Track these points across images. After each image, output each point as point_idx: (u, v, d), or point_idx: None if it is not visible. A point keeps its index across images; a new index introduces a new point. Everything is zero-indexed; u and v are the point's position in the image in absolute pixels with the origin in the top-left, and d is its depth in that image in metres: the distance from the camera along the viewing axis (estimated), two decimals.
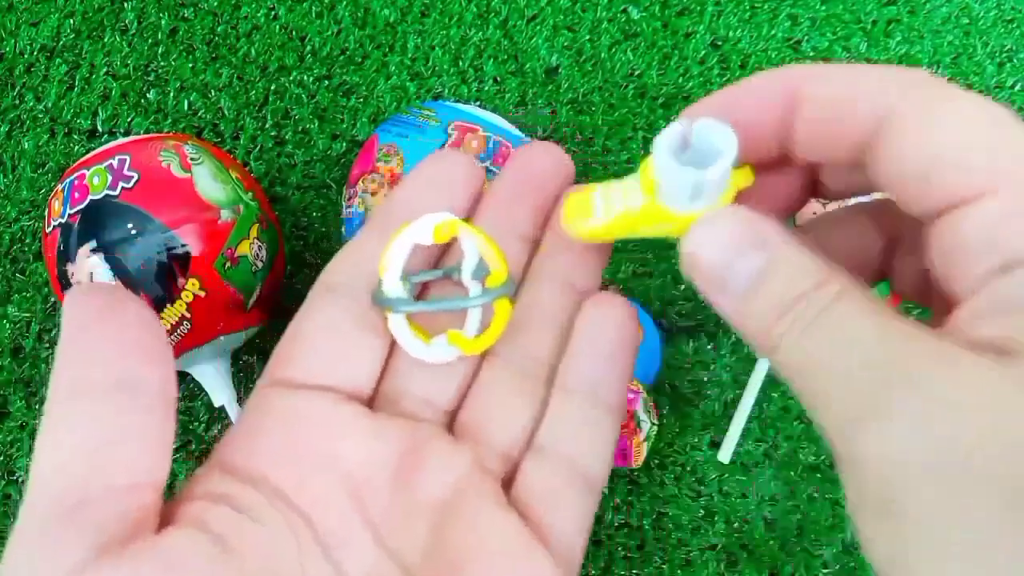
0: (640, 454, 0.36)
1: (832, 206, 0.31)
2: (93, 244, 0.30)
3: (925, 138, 0.15)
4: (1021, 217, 0.14)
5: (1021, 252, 0.14)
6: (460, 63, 0.43)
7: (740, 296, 0.16)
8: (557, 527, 0.19)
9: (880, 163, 0.16)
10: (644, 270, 0.40)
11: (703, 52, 0.43)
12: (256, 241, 0.33)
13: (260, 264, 0.33)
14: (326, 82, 0.42)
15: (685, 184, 0.17)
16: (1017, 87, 0.43)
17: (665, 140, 0.17)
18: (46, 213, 0.33)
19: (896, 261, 0.20)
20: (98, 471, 0.15)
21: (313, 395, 0.18)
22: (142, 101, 0.42)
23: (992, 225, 0.14)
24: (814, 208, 0.34)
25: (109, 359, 0.16)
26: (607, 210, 0.19)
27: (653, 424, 0.37)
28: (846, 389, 0.14)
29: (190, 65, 0.42)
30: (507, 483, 0.20)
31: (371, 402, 0.19)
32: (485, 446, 0.19)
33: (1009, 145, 0.15)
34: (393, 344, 0.20)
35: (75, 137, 0.41)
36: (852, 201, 0.20)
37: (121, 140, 0.33)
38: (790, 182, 0.19)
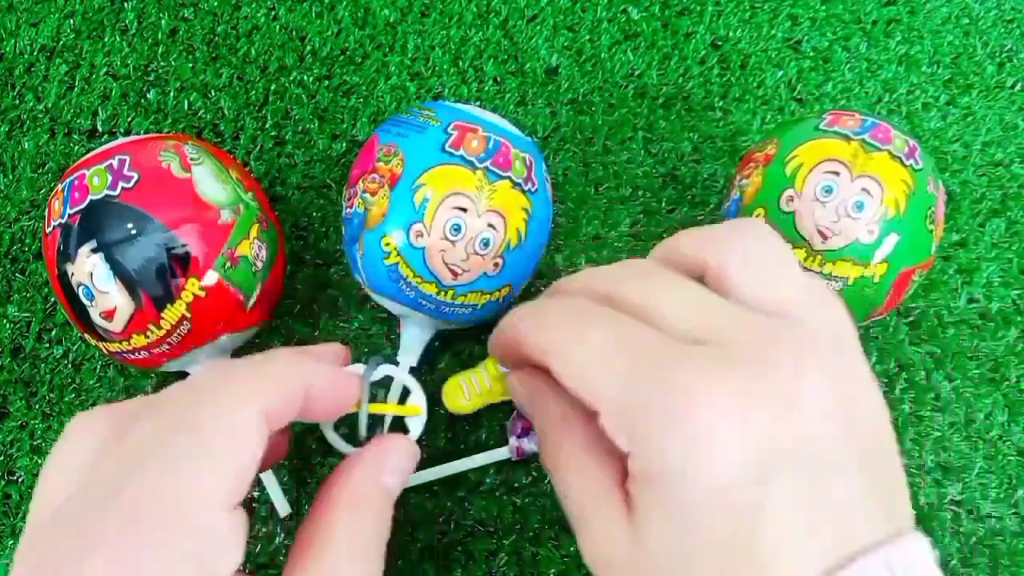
0: None
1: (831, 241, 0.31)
2: (93, 244, 0.30)
3: None
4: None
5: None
6: (460, 63, 0.43)
7: None
8: None
9: None
10: None
11: (703, 52, 0.43)
12: (256, 241, 0.33)
13: (260, 264, 0.33)
14: (326, 82, 0.42)
15: None
16: (1017, 87, 0.43)
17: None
18: (46, 213, 0.33)
19: None
20: None
21: None
22: (142, 101, 0.42)
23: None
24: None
25: None
26: (472, 392, 0.35)
27: None
28: None
29: (190, 65, 0.42)
30: None
31: None
32: None
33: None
34: None
35: (75, 137, 0.41)
36: None
37: (121, 140, 0.33)
38: None
